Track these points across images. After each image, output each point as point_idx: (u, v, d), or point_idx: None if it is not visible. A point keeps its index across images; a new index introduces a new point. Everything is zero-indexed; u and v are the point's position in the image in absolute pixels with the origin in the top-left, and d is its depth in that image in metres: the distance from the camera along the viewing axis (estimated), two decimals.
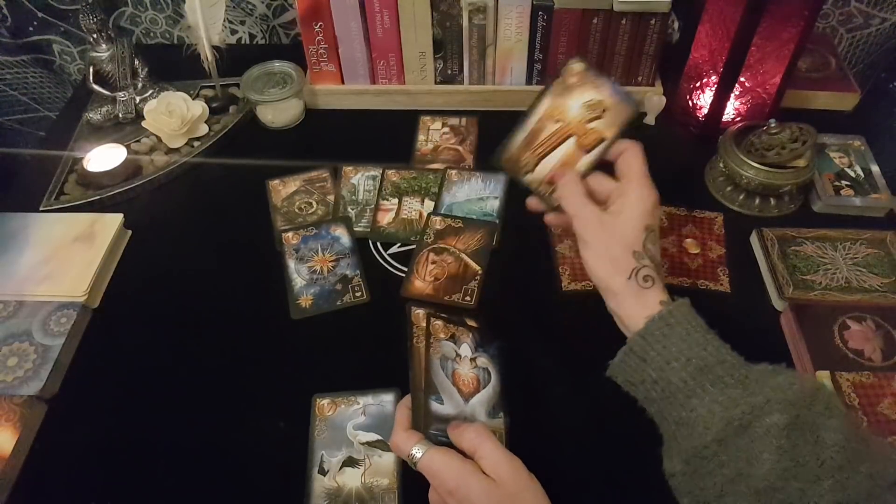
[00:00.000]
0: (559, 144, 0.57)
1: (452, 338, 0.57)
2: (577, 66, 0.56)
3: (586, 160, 0.56)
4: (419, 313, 0.57)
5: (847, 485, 0.41)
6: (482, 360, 0.57)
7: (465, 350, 0.57)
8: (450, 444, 0.50)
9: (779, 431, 0.42)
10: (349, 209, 0.78)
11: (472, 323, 0.59)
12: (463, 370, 0.55)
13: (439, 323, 0.57)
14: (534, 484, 0.46)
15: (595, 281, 0.54)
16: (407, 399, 0.53)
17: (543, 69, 0.87)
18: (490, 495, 0.45)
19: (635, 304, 0.51)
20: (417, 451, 0.48)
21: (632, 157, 0.55)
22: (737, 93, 0.81)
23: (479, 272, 0.71)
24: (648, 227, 0.52)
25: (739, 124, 0.78)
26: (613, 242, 0.52)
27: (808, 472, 0.41)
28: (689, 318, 0.49)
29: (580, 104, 0.56)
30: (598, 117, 0.56)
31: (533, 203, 0.60)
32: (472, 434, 0.48)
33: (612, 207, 0.54)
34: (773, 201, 0.77)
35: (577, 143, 0.56)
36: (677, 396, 0.47)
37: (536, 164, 0.58)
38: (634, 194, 0.53)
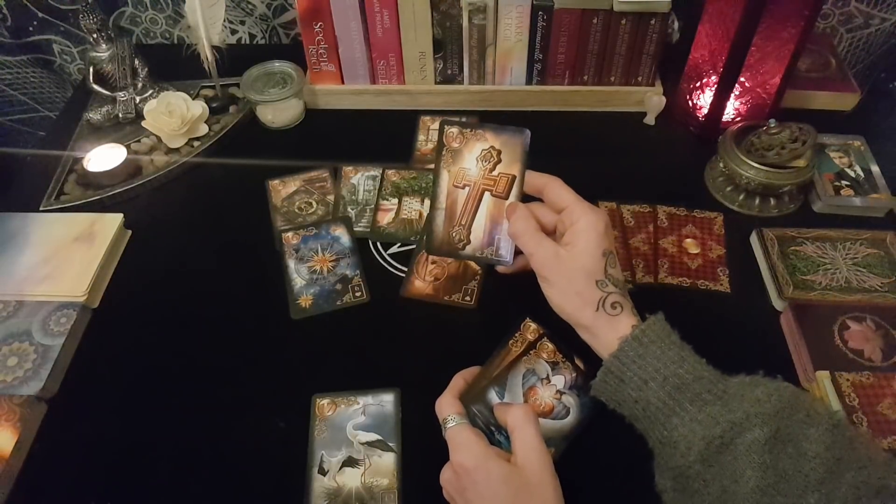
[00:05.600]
0: (478, 205, 0.57)
1: (554, 365, 0.57)
2: (452, 129, 0.56)
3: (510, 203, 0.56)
4: (531, 327, 0.57)
5: (833, 497, 0.40)
6: (568, 399, 0.57)
7: (558, 380, 0.57)
8: (485, 432, 0.51)
9: (760, 447, 0.42)
10: (349, 209, 0.78)
11: (580, 365, 0.58)
12: (543, 393, 0.56)
13: (550, 346, 0.57)
14: (556, 482, 0.46)
15: (563, 317, 0.53)
16: (468, 373, 0.54)
17: (543, 69, 0.87)
18: (508, 481, 0.45)
19: (608, 332, 0.50)
20: (452, 420, 0.49)
21: (558, 189, 0.54)
22: (737, 93, 0.81)
23: (479, 272, 0.71)
24: (605, 251, 0.51)
25: (739, 124, 0.78)
26: (575, 276, 0.51)
27: (792, 487, 0.41)
28: (662, 336, 0.49)
29: (474, 160, 0.56)
30: (497, 162, 0.56)
31: (502, 269, 0.60)
32: (520, 412, 0.49)
33: (565, 239, 0.53)
34: (773, 201, 0.77)
35: (493, 194, 0.56)
36: (658, 416, 0.47)
37: (469, 234, 0.58)
38: (582, 222, 0.52)
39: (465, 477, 0.46)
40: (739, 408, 0.44)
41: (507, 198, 0.56)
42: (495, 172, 0.56)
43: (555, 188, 0.55)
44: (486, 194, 0.57)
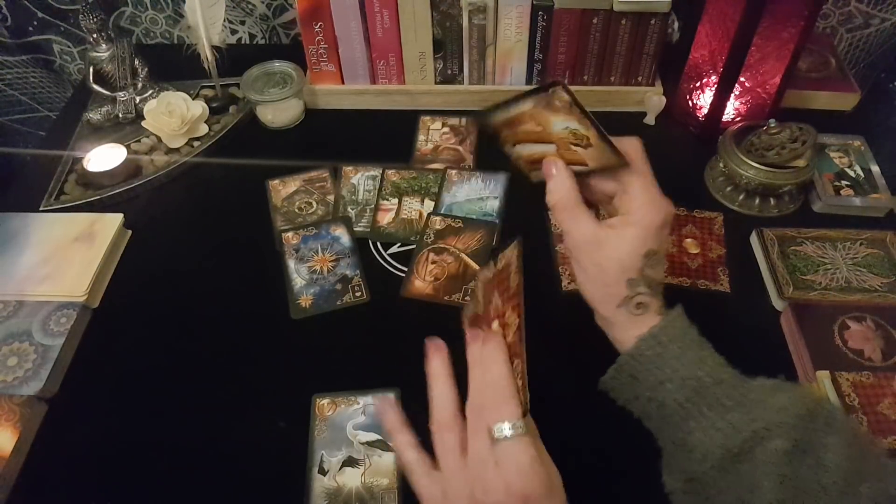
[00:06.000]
0: (538, 142, 0.51)
1: None
2: (564, 95, 0.49)
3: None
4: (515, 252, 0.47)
5: None
6: None
7: None
8: None
9: (780, 458, 0.41)
10: (349, 209, 0.78)
11: None
12: None
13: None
14: None
15: (584, 297, 0.50)
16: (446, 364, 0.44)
17: (543, 69, 0.87)
18: None
19: (626, 330, 0.48)
20: (513, 427, 0.39)
21: (629, 169, 0.48)
22: (737, 93, 0.81)
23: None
24: (650, 252, 0.46)
25: (739, 124, 0.78)
26: (607, 267, 0.47)
27: (810, 500, 0.40)
28: (681, 335, 0.46)
29: (564, 127, 0.49)
30: (582, 146, 0.49)
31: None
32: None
33: (612, 222, 0.48)
34: (773, 201, 0.77)
35: (558, 151, 0.50)
36: (674, 418, 0.45)
37: (515, 144, 0.52)
38: (637, 214, 0.47)
39: (511, 502, 0.39)
40: (760, 416, 0.42)
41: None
42: (573, 148, 0.49)
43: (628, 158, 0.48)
44: (553, 146, 0.50)
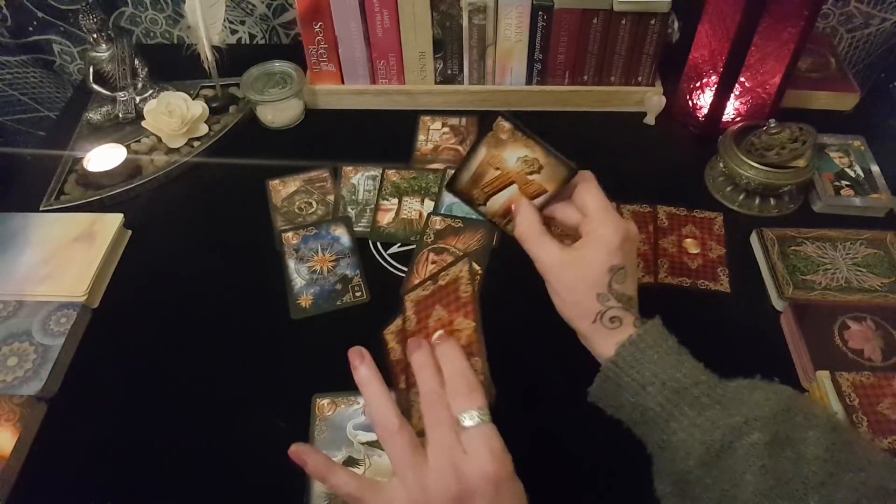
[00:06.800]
0: (503, 188, 0.56)
1: None
2: (505, 124, 0.54)
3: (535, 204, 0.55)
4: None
5: (833, 499, 0.40)
6: None
7: None
8: None
9: (760, 451, 0.42)
10: (349, 209, 0.78)
11: None
12: None
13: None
14: None
15: (564, 318, 0.52)
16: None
17: (543, 69, 0.87)
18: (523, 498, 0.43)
19: (604, 343, 0.49)
20: (479, 415, 0.43)
21: (585, 193, 0.52)
22: (737, 93, 0.81)
23: (480, 272, 0.71)
24: (614, 267, 0.49)
25: (739, 124, 0.78)
26: (575, 285, 0.50)
27: (792, 490, 0.41)
28: (659, 341, 0.48)
29: (516, 158, 0.54)
30: (535, 172, 0.54)
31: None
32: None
33: (576, 244, 0.51)
34: (773, 201, 0.77)
35: (520, 190, 0.55)
36: (656, 421, 0.46)
37: (487, 200, 0.57)
38: (596, 234, 0.50)
39: (487, 486, 0.41)
40: (738, 412, 0.44)
41: (533, 200, 0.55)
42: (530, 178, 0.54)
43: (583, 192, 0.53)
44: (515, 185, 0.55)
